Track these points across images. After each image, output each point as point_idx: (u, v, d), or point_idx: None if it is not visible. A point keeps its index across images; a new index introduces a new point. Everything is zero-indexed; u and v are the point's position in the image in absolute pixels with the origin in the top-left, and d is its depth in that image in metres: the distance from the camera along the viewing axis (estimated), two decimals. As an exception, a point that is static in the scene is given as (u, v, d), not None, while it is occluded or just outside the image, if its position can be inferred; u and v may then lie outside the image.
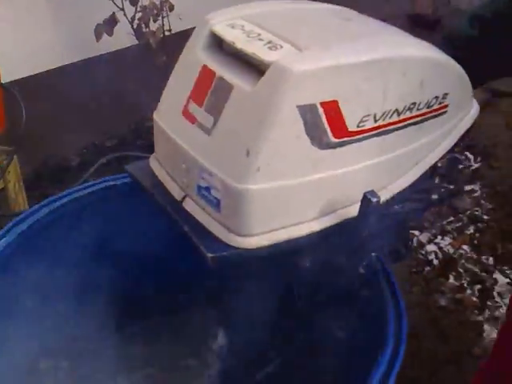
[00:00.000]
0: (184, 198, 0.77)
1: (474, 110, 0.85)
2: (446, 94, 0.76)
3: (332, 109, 0.66)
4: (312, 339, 0.99)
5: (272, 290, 0.93)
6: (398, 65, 0.69)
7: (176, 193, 0.78)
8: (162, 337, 1.17)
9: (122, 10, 2.11)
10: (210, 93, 0.71)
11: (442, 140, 0.81)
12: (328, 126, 0.67)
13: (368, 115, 0.69)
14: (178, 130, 0.75)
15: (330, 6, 0.82)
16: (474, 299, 1.77)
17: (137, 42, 2.22)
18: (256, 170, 0.66)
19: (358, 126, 0.69)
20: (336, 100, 0.66)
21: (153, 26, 2.16)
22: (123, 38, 2.23)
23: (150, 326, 1.17)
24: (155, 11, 2.12)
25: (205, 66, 0.73)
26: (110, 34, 2.14)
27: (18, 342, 0.96)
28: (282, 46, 0.68)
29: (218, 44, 0.75)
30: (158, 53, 2.18)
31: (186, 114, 0.74)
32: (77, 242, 1.06)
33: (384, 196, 0.73)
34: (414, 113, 0.73)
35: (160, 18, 2.16)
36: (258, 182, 0.67)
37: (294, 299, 0.94)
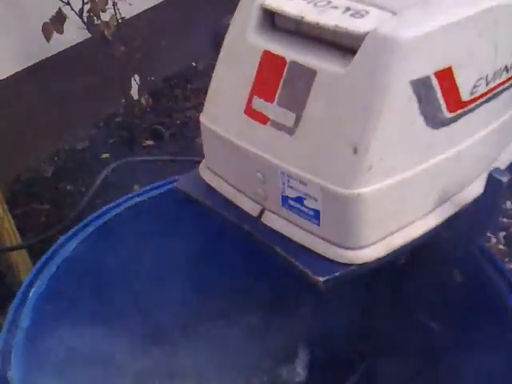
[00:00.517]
0: (262, 212, 0.64)
1: None
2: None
3: (446, 78, 0.54)
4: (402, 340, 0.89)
5: (354, 294, 0.81)
6: (508, 11, 0.57)
7: (249, 207, 0.64)
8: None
9: (68, 4, 1.92)
10: (282, 84, 0.58)
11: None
12: (443, 99, 0.55)
13: (480, 78, 0.57)
14: (244, 134, 0.61)
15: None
16: (501, 246, 1.71)
17: (90, 35, 2.04)
18: (367, 169, 0.53)
19: (471, 94, 0.57)
20: (450, 66, 0.54)
21: (104, 17, 1.97)
22: (75, 33, 2.04)
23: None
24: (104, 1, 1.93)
25: (267, 52, 0.59)
26: (60, 31, 1.94)
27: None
28: (367, 12, 0.55)
29: (270, 22, 0.62)
30: (116, 43, 2.00)
31: (251, 112, 0.60)
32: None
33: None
34: (521, 66, 0.62)
35: (111, 6, 1.97)
36: (370, 183, 0.54)
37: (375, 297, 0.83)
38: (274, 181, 0.60)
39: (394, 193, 0.56)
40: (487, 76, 0.58)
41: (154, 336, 1.02)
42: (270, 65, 0.59)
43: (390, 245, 0.58)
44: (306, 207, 0.58)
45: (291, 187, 0.59)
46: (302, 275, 0.58)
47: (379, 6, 0.55)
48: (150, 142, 2.25)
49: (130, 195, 0.92)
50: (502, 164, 0.65)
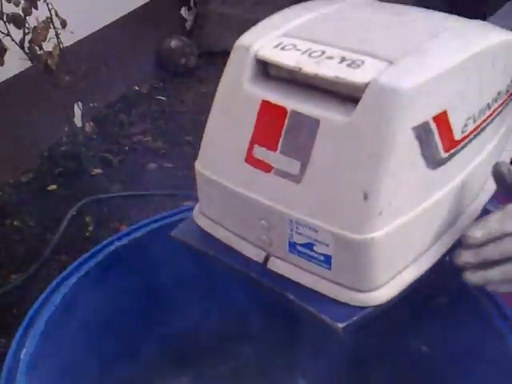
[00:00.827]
0: (267, 258, 0.64)
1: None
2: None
3: (442, 121, 0.57)
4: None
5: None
6: (489, 55, 0.61)
7: (253, 254, 0.65)
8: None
9: (8, 35, 1.86)
10: (284, 132, 0.59)
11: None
12: (440, 140, 0.57)
13: (469, 118, 0.60)
14: (246, 182, 0.62)
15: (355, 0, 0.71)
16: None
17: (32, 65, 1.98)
18: (378, 214, 0.55)
19: (462, 132, 0.60)
20: (445, 110, 0.57)
21: (47, 46, 1.93)
22: (16, 64, 1.98)
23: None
24: (46, 31, 1.88)
25: (266, 102, 0.60)
26: (1, 63, 1.88)
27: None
28: (363, 62, 0.57)
29: (264, 71, 0.63)
30: (60, 73, 1.96)
31: (253, 161, 0.61)
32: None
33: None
34: (499, 102, 0.65)
35: (54, 36, 1.93)
36: (381, 227, 0.56)
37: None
38: (281, 228, 0.61)
39: (402, 233, 0.58)
40: (474, 115, 0.61)
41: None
42: (270, 114, 0.60)
43: (401, 283, 0.60)
44: (317, 253, 0.59)
45: (299, 234, 0.60)
46: (320, 322, 0.59)
47: (373, 55, 0.57)
48: (98, 171, 2.21)
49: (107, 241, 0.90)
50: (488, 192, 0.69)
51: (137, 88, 2.67)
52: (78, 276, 0.85)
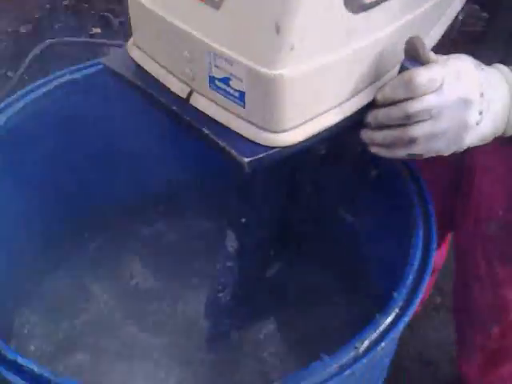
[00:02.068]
0: (190, 93, 0.63)
1: None
2: None
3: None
4: (324, 231, 0.93)
5: (281, 183, 0.83)
6: None
7: (177, 88, 0.64)
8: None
9: None
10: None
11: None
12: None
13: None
14: (172, 8, 0.60)
15: None
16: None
17: None
18: (290, 50, 0.53)
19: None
20: None
21: None
22: None
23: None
24: None
25: None
26: None
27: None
28: None
29: None
30: None
31: (179, -15, 0.58)
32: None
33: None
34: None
35: None
36: (291, 64, 0.54)
37: (302, 189, 0.86)
38: (201, 60, 0.59)
39: (314, 76, 0.56)
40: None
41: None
42: None
43: (310, 130, 0.59)
44: (232, 88, 0.58)
45: (217, 67, 0.58)
46: (228, 157, 0.58)
47: None
48: (97, 30, 2.16)
49: (60, 73, 0.89)
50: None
51: None
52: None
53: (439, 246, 1.16)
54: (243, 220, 0.84)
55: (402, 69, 0.62)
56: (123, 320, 1.01)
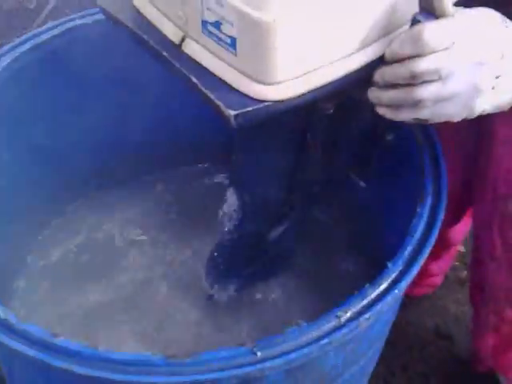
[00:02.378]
0: (183, 39, 0.59)
1: None
2: None
3: None
4: (334, 194, 0.89)
5: (286, 141, 0.79)
6: None
7: (171, 33, 0.60)
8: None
9: None
10: None
11: None
12: None
13: None
14: None
15: None
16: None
17: None
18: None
19: None
20: None
21: None
22: None
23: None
24: None
25: None
26: None
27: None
28: None
29: None
30: None
31: None
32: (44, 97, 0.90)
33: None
34: None
35: None
36: (286, 7, 0.49)
37: (308, 148, 0.82)
38: (194, 1, 0.55)
39: (312, 24, 0.52)
40: None
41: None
42: None
43: (308, 83, 0.55)
44: (224, 34, 0.54)
45: (209, 9, 0.54)
46: (216, 109, 0.55)
47: None
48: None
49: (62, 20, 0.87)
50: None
51: None
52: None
53: (459, 219, 1.11)
54: (244, 177, 0.81)
55: (414, 22, 0.57)
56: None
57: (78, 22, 0.90)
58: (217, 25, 0.54)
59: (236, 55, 0.54)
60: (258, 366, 0.59)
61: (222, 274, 0.93)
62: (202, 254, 0.97)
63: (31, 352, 0.58)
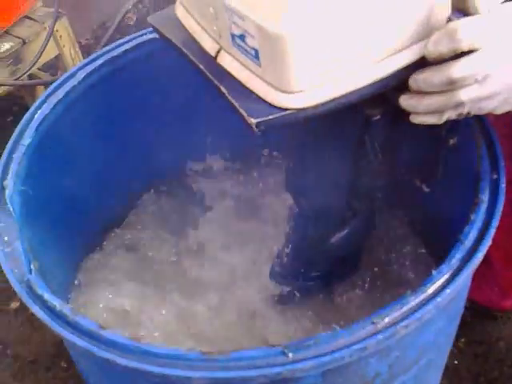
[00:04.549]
0: (219, 51, 0.62)
1: None
2: None
3: None
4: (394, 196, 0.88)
5: (341, 147, 0.80)
6: None
7: (208, 46, 0.63)
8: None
9: None
10: None
11: None
12: None
13: None
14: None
15: None
16: None
17: None
18: (295, 3, 0.50)
19: None
20: None
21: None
22: None
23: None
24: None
25: None
26: None
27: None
28: None
29: None
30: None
31: None
32: (117, 106, 0.97)
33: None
34: None
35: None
36: (300, 19, 0.51)
37: (367, 153, 0.81)
38: (223, 16, 0.58)
39: (330, 35, 0.52)
40: None
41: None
42: None
43: (330, 92, 0.55)
44: (248, 46, 0.56)
45: (235, 23, 0.57)
46: (241, 117, 0.57)
47: None
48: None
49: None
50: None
51: None
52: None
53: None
54: (299, 184, 0.83)
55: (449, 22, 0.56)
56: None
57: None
58: (242, 37, 0.57)
59: (260, 66, 0.56)
60: (289, 366, 0.60)
61: (287, 274, 0.95)
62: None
63: (81, 342, 0.63)
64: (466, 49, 0.54)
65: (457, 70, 0.55)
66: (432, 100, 0.58)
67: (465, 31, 0.53)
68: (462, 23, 0.54)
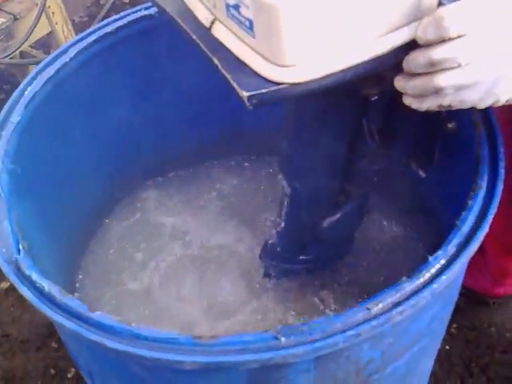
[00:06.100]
0: (213, 22, 0.60)
1: None
2: None
3: None
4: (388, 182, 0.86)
5: (337, 128, 0.77)
6: None
7: (203, 16, 0.61)
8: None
9: None
10: None
11: None
12: None
13: None
14: None
15: None
16: None
17: None
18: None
19: None
20: None
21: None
22: None
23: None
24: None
25: None
26: None
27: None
28: None
29: None
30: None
31: None
32: (111, 84, 0.94)
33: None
34: None
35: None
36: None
37: (364, 136, 0.79)
38: (217, -15, 0.56)
39: (325, 7, 0.49)
40: None
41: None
42: None
43: (325, 67, 0.53)
44: (243, 16, 0.54)
45: (229, -8, 0.54)
46: (233, 90, 0.55)
47: None
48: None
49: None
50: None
51: None
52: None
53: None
54: (294, 165, 0.80)
55: (440, 5, 0.53)
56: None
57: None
58: (236, 7, 0.54)
59: (254, 38, 0.54)
60: (282, 351, 0.59)
61: (278, 257, 0.93)
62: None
63: (70, 324, 0.61)
64: (454, 36, 0.52)
65: (438, 52, 0.53)
66: (416, 82, 0.57)
67: (451, 19, 0.52)
68: (448, 10, 0.52)
